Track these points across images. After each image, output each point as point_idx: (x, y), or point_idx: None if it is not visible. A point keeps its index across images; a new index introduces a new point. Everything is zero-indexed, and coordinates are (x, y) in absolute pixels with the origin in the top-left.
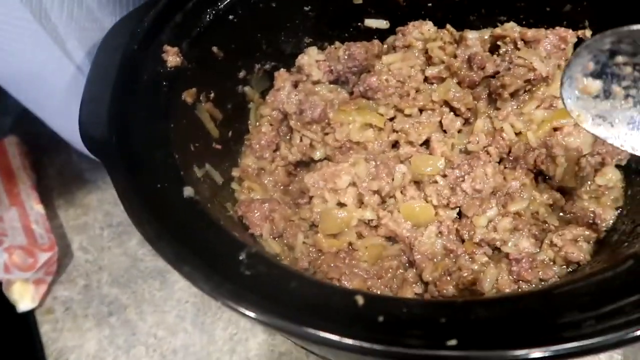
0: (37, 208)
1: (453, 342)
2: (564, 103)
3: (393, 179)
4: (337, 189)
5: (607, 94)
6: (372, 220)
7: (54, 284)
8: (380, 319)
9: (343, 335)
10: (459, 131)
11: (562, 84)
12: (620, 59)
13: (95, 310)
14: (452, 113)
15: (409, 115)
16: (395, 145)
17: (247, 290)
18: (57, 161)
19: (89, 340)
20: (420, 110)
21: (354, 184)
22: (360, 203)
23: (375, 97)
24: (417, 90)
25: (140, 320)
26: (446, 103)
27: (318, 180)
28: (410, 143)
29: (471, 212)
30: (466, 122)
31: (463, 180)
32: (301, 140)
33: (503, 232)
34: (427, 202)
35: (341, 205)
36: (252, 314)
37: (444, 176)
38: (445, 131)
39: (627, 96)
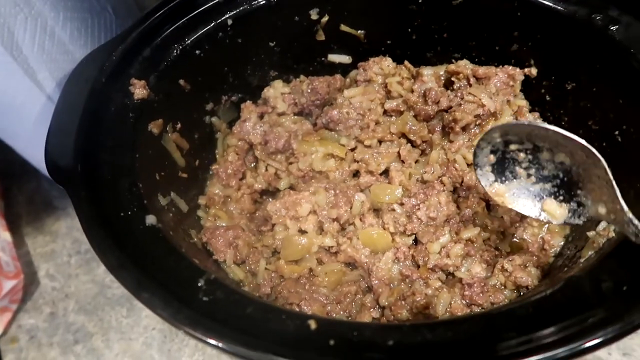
0: (4, 235)
1: None
2: (484, 190)
3: (352, 207)
4: (298, 217)
5: (513, 175)
6: (332, 246)
7: (19, 312)
8: (332, 342)
9: (295, 358)
10: (416, 161)
11: (476, 175)
12: (512, 147)
13: (61, 339)
14: (409, 144)
15: (369, 146)
16: (356, 174)
17: (205, 316)
18: (26, 188)
19: None
20: (380, 142)
21: (314, 212)
22: (321, 230)
23: (337, 129)
24: (377, 123)
25: (106, 348)
26: (404, 135)
27: (280, 208)
28: (371, 172)
29: (426, 239)
30: (423, 153)
31: (419, 209)
32: (266, 169)
33: (455, 257)
34: (384, 229)
35: (302, 232)
36: (210, 340)
37: (401, 204)
38: (403, 161)
39: (528, 175)
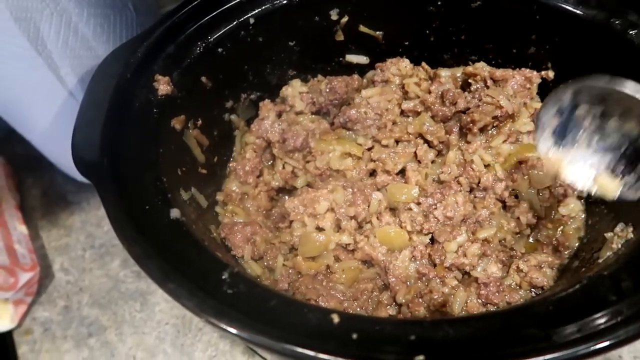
0: (20, 228)
1: (421, 358)
2: (541, 155)
3: (369, 206)
4: (316, 214)
5: (573, 141)
6: (349, 244)
7: (33, 304)
8: (354, 336)
9: (319, 350)
10: (432, 162)
11: (536, 138)
12: (580, 110)
13: (75, 332)
14: (426, 145)
15: (386, 146)
16: (372, 173)
17: (229, 307)
18: (41, 182)
19: None
20: (397, 141)
21: (332, 210)
22: (338, 228)
23: (354, 128)
24: (394, 123)
25: (119, 341)
26: (420, 135)
27: (298, 205)
28: (387, 172)
29: (442, 238)
30: (439, 153)
31: (435, 208)
32: (283, 167)
33: (472, 257)
34: (401, 227)
35: (319, 229)
36: (233, 330)
37: (418, 204)
38: (419, 161)
39: (589, 144)
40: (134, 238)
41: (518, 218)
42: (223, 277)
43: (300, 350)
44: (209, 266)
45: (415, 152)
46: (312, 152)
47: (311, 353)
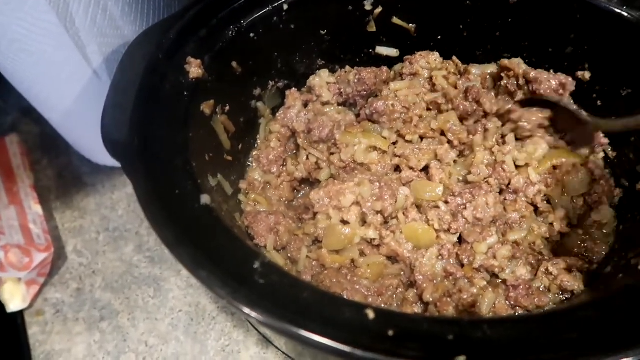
0: (35, 208)
1: (462, 359)
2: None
3: (396, 201)
4: (341, 207)
5: None
6: (374, 239)
7: (45, 285)
8: (390, 333)
9: (355, 346)
10: (455, 162)
11: None
12: None
13: (87, 315)
14: (447, 144)
15: (410, 142)
16: (397, 169)
17: (262, 298)
18: (56, 163)
19: (77, 345)
20: (421, 138)
21: (357, 203)
22: (363, 222)
23: (380, 121)
24: (420, 117)
25: (132, 327)
26: (443, 133)
27: (323, 197)
28: (411, 168)
29: (472, 239)
30: (461, 154)
31: (465, 208)
32: (307, 158)
33: (502, 259)
34: (429, 225)
35: (344, 222)
36: (266, 320)
37: (446, 202)
38: (439, 160)
39: None
40: (165, 223)
41: (551, 224)
42: (255, 266)
43: (335, 345)
44: (240, 255)
45: (435, 151)
46: (337, 144)
47: (347, 349)
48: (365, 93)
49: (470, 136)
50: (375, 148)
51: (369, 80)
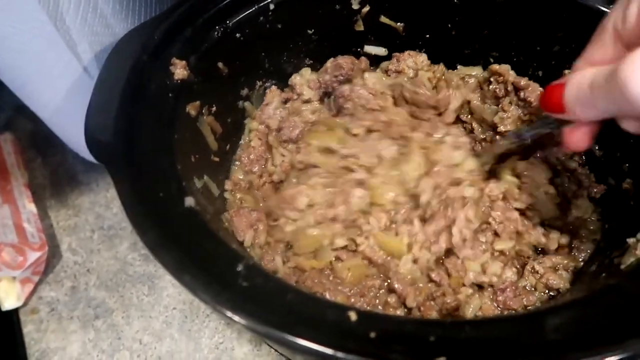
0: (29, 207)
1: (442, 359)
2: None
3: (350, 204)
4: (298, 210)
5: None
6: (346, 245)
7: (40, 284)
8: (372, 335)
9: (337, 349)
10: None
11: None
12: None
13: (81, 313)
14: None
15: (357, 135)
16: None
17: (245, 300)
18: (50, 161)
19: (72, 343)
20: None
21: (311, 206)
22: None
23: (345, 106)
24: (382, 108)
25: (126, 324)
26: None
27: (280, 202)
28: (363, 167)
29: (462, 254)
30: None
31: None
32: (283, 160)
33: (492, 275)
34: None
35: (309, 225)
36: (249, 324)
37: (424, 221)
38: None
39: None
40: (148, 226)
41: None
42: (238, 269)
43: (317, 347)
44: (223, 258)
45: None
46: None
47: (329, 351)
48: (342, 78)
49: (412, 133)
50: (327, 149)
51: (346, 65)
